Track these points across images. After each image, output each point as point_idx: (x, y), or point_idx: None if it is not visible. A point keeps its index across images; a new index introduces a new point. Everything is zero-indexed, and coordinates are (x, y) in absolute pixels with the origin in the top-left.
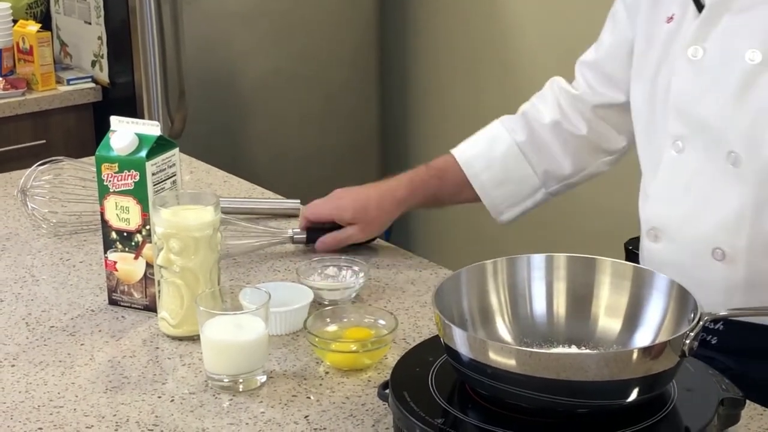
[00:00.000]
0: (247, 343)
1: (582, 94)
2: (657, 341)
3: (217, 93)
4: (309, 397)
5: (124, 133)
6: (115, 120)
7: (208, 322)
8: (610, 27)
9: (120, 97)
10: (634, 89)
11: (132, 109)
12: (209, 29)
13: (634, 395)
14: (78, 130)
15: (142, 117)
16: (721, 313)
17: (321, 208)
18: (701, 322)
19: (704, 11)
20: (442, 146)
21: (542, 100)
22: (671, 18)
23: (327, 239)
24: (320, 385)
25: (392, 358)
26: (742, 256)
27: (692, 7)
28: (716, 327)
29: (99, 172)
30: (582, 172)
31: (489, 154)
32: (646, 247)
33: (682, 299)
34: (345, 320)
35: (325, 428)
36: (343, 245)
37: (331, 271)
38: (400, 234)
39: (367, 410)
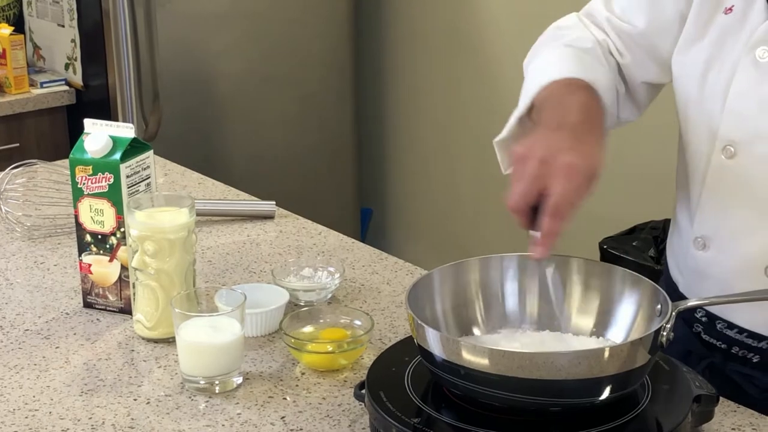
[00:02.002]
0: (223, 345)
1: (627, 64)
2: (630, 338)
3: (192, 95)
4: (285, 398)
5: (98, 135)
6: (89, 122)
7: (183, 324)
8: None
9: (94, 100)
10: (680, 76)
11: (106, 111)
12: (183, 31)
13: (607, 392)
14: (51, 133)
15: (116, 119)
16: (690, 303)
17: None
18: (673, 313)
19: None
20: (419, 145)
21: (596, 53)
22: (730, 9)
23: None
24: (296, 386)
25: (368, 359)
26: None
27: (760, 3)
28: (759, 345)
29: (73, 174)
30: None
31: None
32: (692, 254)
33: (653, 295)
34: (321, 321)
35: (301, 429)
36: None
37: (306, 272)
38: (375, 235)
39: (343, 410)
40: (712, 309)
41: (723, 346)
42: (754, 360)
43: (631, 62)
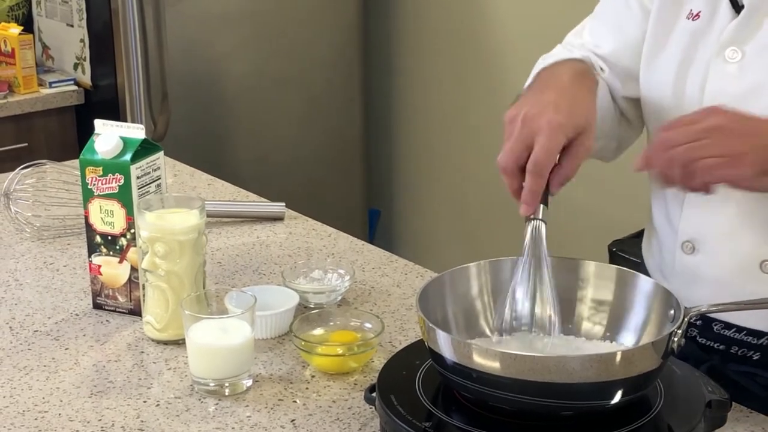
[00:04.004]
0: (233, 347)
1: (610, 81)
2: (641, 342)
3: (201, 95)
4: (295, 401)
5: (109, 136)
6: (99, 123)
7: (193, 326)
8: (628, 16)
9: (102, 100)
10: (650, 88)
11: (114, 111)
12: (192, 31)
13: (618, 396)
14: (60, 133)
15: (124, 120)
16: (703, 309)
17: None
18: (686, 319)
19: (744, 11)
20: (427, 146)
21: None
22: (697, 15)
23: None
24: (306, 388)
25: (378, 362)
26: None
27: (725, 6)
28: (760, 342)
29: (83, 175)
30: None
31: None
32: (681, 259)
33: (665, 299)
34: (331, 323)
35: None
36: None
37: (316, 274)
38: (383, 236)
39: (353, 414)
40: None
41: (721, 347)
42: (755, 357)
43: (610, 78)
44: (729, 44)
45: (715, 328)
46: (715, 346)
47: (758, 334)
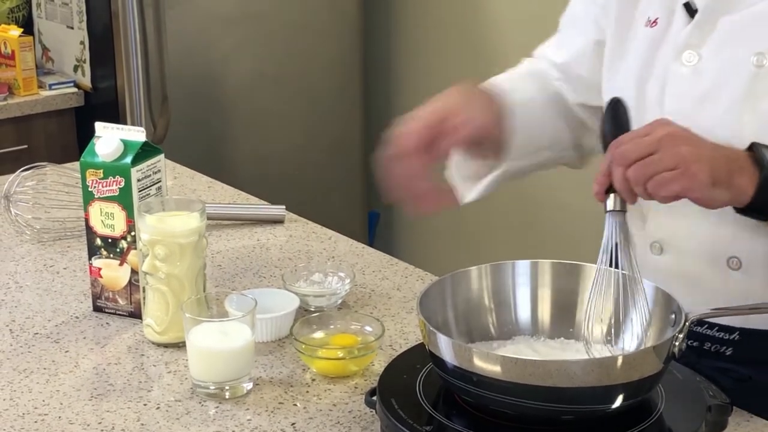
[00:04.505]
0: (234, 350)
1: (566, 90)
2: (643, 346)
3: (201, 97)
4: (296, 405)
5: (109, 139)
6: (100, 126)
7: (194, 329)
8: (579, 28)
9: (102, 102)
10: (613, 95)
11: (114, 114)
12: (192, 33)
13: (620, 401)
14: (60, 135)
15: (124, 122)
16: (705, 313)
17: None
18: (687, 323)
19: (698, 15)
20: None
21: (531, 74)
22: (654, 22)
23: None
24: (307, 392)
25: (379, 365)
26: (760, 263)
27: (680, 11)
28: (732, 337)
29: (84, 178)
30: (559, 155)
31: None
32: (650, 260)
33: (666, 303)
34: (331, 327)
35: None
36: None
37: (316, 277)
38: (383, 239)
39: (354, 417)
40: None
41: (694, 344)
42: (727, 353)
43: (565, 87)
44: (685, 48)
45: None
46: (690, 343)
47: (730, 329)
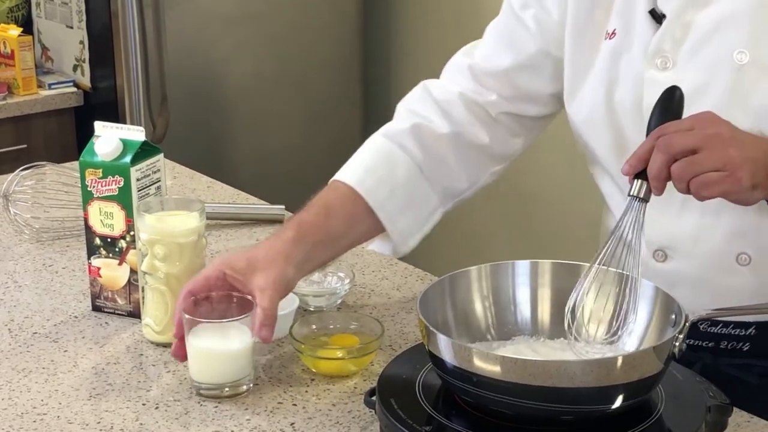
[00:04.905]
0: (234, 352)
1: (490, 102)
2: (643, 346)
3: (200, 97)
4: (295, 405)
5: (109, 138)
6: (99, 125)
7: (193, 330)
8: (526, 37)
9: (102, 102)
10: (580, 111)
11: (114, 113)
12: (192, 33)
13: (619, 401)
14: (59, 135)
15: (124, 121)
16: (705, 313)
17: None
18: (687, 323)
19: (667, 20)
20: None
21: (430, 109)
22: (613, 33)
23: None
24: (306, 392)
25: (378, 365)
26: None
27: (642, 19)
28: (748, 333)
29: (83, 177)
30: (475, 185)
31: (391, 180)
32: (653, 268)
33: (666, 304)
34: (331, 327)
35: None
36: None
37: (316, 277)
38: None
39: (353, 417)
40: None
41: (710, 344)
42: (745, 349)
43: (496, 99)
44: (657, 55)
45: (701, 327)
46: (704, 344)
47: (745, 325)
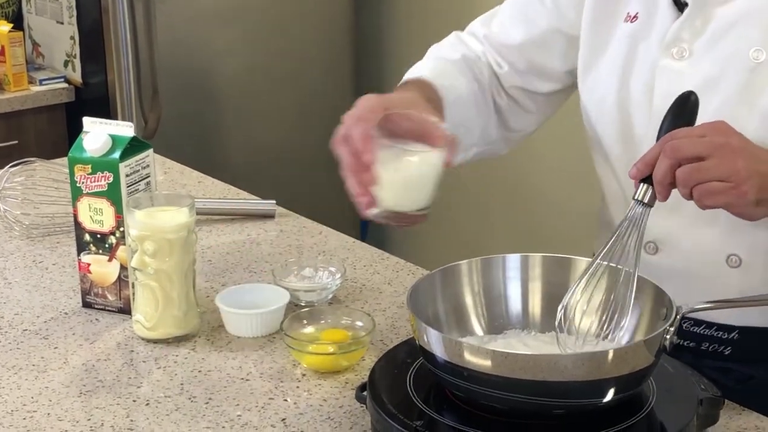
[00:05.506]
0: (432, 176)
1: (505, 74)
2: (634, 340)
3: (191, 92)
4: (286, 400)
5: (98, 134)
6: (88, 121)
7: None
8: (541, 13)
9: (93, 98)
10: (591, 93)
11: (105, 109)
12: (182, 28)
13: (611, 395)
14: (50, 131)
15: (115, 117)
16: (695, 306)
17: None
18: (678, 317)
19: (689, 9)
20: None
21: (460, 64)
22: (635, 17)
23: None
24: (297, 387)
25: (370, 360)
26: (760, 261)
27: (665, 5)
28: (731, 336)
29: (72, 173)
30: (485, 144)
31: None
32: (644, 260)
33: (656, 297)
34: (322, 322)
35: (302, 431)
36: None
37: (307, 272)
38: (377, 233)
39: (344, 412)
40: None
41: (692, 344)
42: (726, 352)
43: (508, 71)
44: (675, 43)
45: (684, 326)
46: (686, 344)
47: (728, 329)
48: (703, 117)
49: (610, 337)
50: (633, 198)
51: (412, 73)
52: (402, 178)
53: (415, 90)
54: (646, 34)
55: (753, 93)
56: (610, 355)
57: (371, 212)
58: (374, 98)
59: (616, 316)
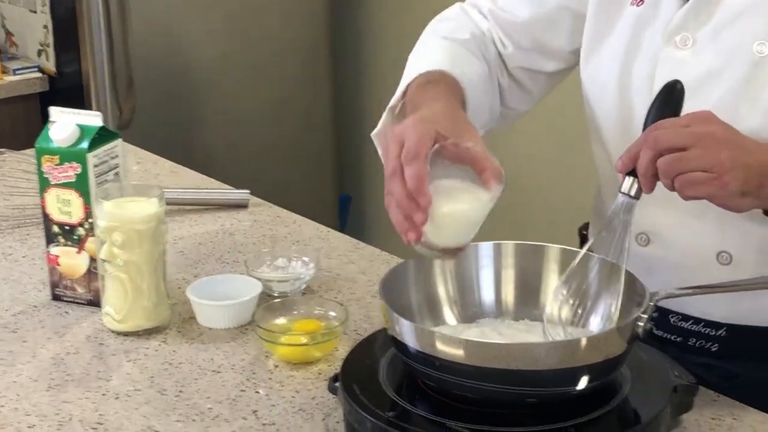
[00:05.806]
0: (480, 213)
1: (509, 54)
2: (607, 327)
3: (168, 82)
4: (258, 392)
5: (65, 124)
6: (55, 110)
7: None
8: None
9: (67, 87)
10: (593, 76)
11: (80, 98)
12: (158, 16)
13: (584, 382)
14: (24, 121)
15: (89, 107)
16: (669, 292)
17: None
18: (651, 303)
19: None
20: None
21: (470, 45)
22: (641, 1)
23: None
24: (269, 379)
25: (343, 350)
26: (751, 259)
27: None
28: (718, 333)
29: (39, 164)
30: (483, 128)
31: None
32: (635, 251)
33: (630, 283)
34: (295, 312)
35: (274, 423)
36: None
37: (280, 262)
38: (356, 222)
39: (317, 404)
40: (665, 302)
41: (678, 339)
42: (713, 349)
43: (513, 52)
44: (679, 31)
45: (672, 320)
46: (672, 338)
47: (716, 325)
48: (699, 108)
49: (591, 326)
50: (619, 191)
51: (426, 61)
52: (452, 217)
53: (445, 93)
54: (651, 20)
55: (756, 87)
56: (583, 342)
57: (414, 245)
58: (422, 127)
59: (598, 305)
